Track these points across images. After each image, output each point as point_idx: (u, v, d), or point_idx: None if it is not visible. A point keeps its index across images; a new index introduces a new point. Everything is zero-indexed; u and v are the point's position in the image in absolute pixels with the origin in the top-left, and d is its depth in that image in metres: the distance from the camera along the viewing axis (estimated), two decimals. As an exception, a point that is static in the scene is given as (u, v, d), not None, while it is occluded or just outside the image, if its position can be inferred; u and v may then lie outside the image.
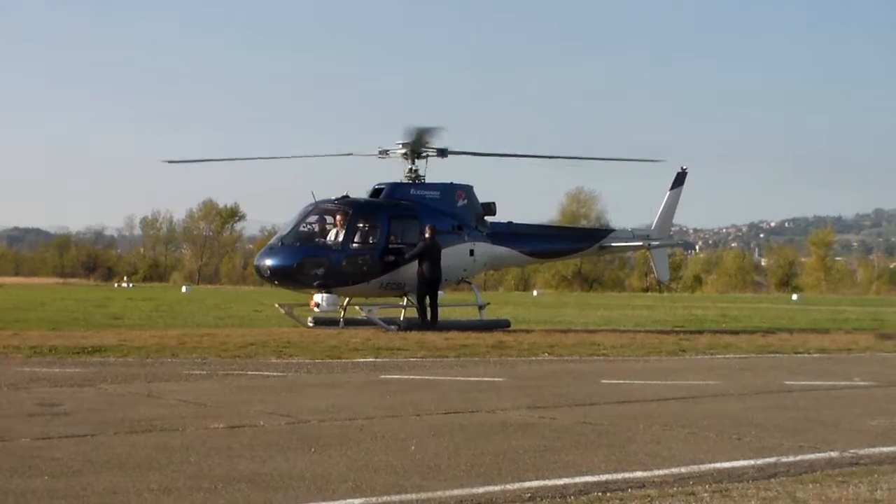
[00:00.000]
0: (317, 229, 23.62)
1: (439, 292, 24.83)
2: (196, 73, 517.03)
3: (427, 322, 23.44)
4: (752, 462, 8.38)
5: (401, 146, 25.04)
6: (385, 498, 6.95)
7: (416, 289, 23.61)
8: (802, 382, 14.82)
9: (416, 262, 23.40)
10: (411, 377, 14.55)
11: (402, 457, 8.34)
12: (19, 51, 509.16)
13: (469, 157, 26.28)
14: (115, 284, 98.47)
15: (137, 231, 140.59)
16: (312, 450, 8.59)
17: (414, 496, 7.02)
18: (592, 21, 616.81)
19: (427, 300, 23.69)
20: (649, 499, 7.07)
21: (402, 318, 24.52)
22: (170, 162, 29.85)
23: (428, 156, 25.27)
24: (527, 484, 7.40)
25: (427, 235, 23.45)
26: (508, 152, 28.16)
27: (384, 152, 25.39)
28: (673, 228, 32.14)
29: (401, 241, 23.85)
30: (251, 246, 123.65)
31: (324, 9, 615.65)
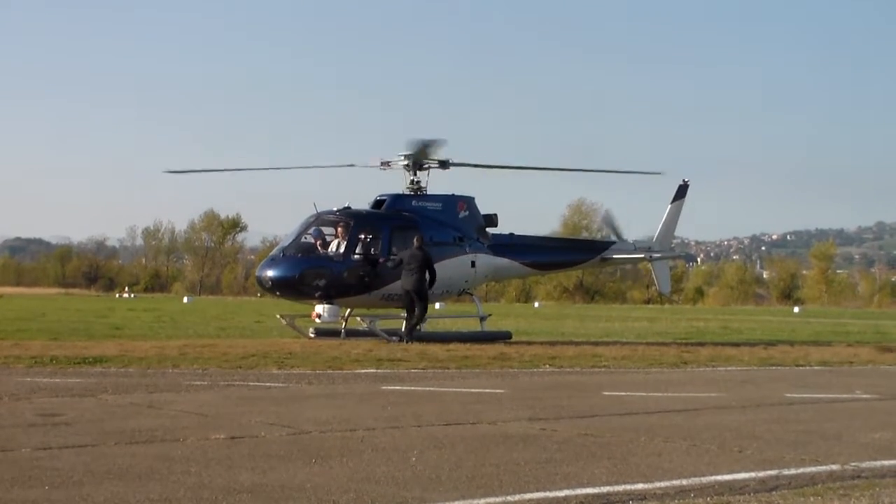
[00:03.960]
0: (318, 241, 23.61)
1: (441, 304, 24.70)
2: (198, 81, 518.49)
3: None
4: (753, 474, 8.37)
5: (403, 158, 25.07)
6: (386, 509, 6.94)
7: None
8: (804, 395, 14.81)
9: (412, 272, 22.70)
10: (412, 388, 14.54)
11: (404, 468, 8.33)
12: (18, 57, 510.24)
13: (471, 168, 26.29)
14: (117, 295, 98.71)
15: (139, 241, 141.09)
16: (313, 461, 8.58)
17: (415, 508, 7.02)
18: (593, 30, 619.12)
19: None
20: (650, 511, 7.07)
21: (403, 329, 24.50)
22: (171, 172, 29.95)
23: (430, 167, 25.30)
24: (528, 496, 7.39)
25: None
26: (510, 164, 28.24)
27: (386, 164, 25.41)
28: (674, 241, 32.20)
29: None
30: (253, 256, 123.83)
31: (325, 15, 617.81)
